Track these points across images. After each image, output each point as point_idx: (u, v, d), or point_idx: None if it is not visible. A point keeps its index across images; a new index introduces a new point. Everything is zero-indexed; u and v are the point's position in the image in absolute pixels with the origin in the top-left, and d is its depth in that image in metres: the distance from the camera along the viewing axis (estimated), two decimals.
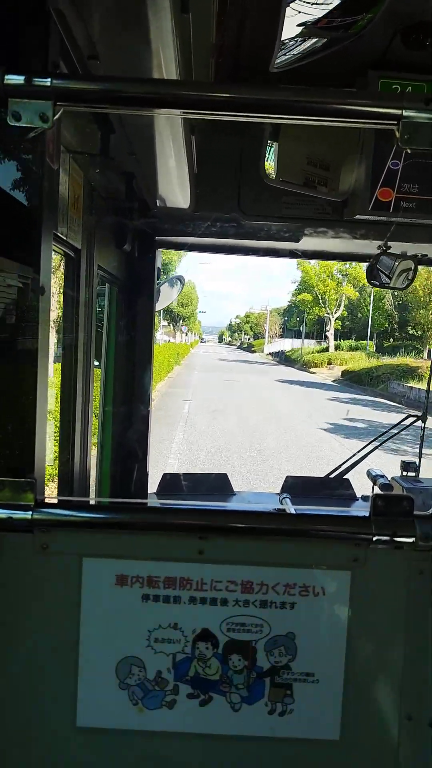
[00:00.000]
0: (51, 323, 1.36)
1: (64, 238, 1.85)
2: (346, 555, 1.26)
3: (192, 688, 1.26)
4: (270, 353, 76.93)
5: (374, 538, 1.25)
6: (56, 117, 1.15)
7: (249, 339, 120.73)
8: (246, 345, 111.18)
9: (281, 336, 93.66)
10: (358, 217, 2.60)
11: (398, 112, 1.14)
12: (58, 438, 2.09)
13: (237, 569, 1.25)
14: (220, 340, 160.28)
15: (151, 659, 1.25)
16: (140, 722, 1.26)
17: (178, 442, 13.17)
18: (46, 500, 1.23)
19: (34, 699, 1.25)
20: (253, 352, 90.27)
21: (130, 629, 1.25)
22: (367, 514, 1.26)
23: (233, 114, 1.28)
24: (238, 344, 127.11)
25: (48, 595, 1.25)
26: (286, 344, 75.07)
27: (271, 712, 1.27)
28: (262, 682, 1.27)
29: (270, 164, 2.88)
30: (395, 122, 1.14)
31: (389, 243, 2.89)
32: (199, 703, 1.27)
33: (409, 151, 1.17)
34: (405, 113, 1.14)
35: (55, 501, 1.29)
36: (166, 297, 3.45)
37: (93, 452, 2.36)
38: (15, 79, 1.10)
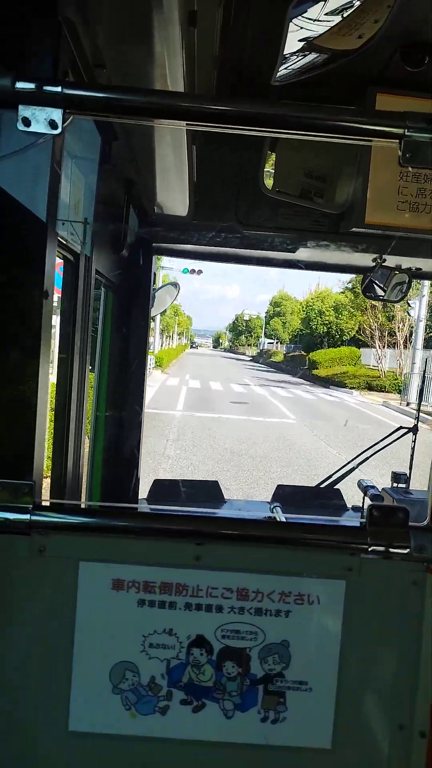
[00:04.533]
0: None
1: (65, 243, 1.86)
2: (341, 564, 1.27)
3: (185, 695, 1.26)
4: None
5: (369, 548, 1.26)
6: (66, 124, 1.16)
7: (277, 346, 66.49)
8: (285, 359, 53.61)
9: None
10: (354, 229, 2.63)
11: (401, 131, 1.17)
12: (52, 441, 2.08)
13: (233, 576, 1.26)
14: (216, 344, 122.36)
15: (145, 664, 1.25)
16: (133, 727, 1.26)
17: None
18: (44, 503, 1.23)
19: (26, 702, 1.24)
20: (334, 385, 30.04)
21: (124, 634, 1.25)
22: (360, 524, 1.27)
23: (236, 127, 1.30)
24: (254, 355, 75.26)
25: (44, 598, 1.24)
26: None
27: (263, 720, 1.28)
28: (255, 690, 1.27)
29: (268, 174, 2.91)
30: (397, 141, 1.17)
31: (384, 256, 2.93)
32: (192, 710, 1.27)
33: (410, 169, 1.20)
34: (407, 132, 1.16)
35: (53, 504, 1.29)
36: (162, 302, 3.47)
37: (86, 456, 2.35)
38: (26, 85, 1.11)
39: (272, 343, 73.58)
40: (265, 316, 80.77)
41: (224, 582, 1.25)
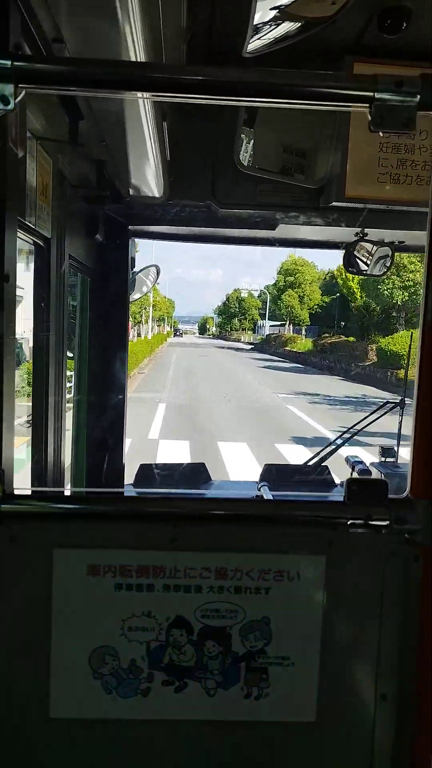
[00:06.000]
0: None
1: (33, 227, 1.82)
2: (321, 539, 1.26)
3: (167, 675, 1.26)
4: None
5: (349, 522, 1.25)
6: (18, 99, 1.12)
7: (289, 329, 50.85)
8: (318, 348, 36.42)
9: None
10: (334, 203, 2.59)
11: (370, 94, 1.13)
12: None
13: (211, 556, 1.25)
14: (203, 331, 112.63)
15: (125, 648, 1.25)
16: (115, 711, 1.26)
17: None
18: (15, 491, 1.21)
19: (5, 692, 1.24)
20: None
21: (103, 619, 1.24)
22: (341, 499, 1.26)
23: (203, 97, 1.26)
24: (257, 342, 59.38)
25: (19, 587, 1.23)
26: None
27: (246, 696, 1.28)
28: (237, 667, 1.27)
29: (244, 151, 2.85)
30: (368, 105, 1.14)
31: (366, 230, 2.89)
32: (174, 690, 1.26)
33: (381, 134, 1.17)
34: (377, 95, 1.13)
35: (24, 492, 1.27)
36: (142, 286, 3.43)
37: (68, 443, 2.33)
38: None
39: (281, 325, 55.39)
40: (264, 293, 61.40)
41: (202, 562, 1.25)
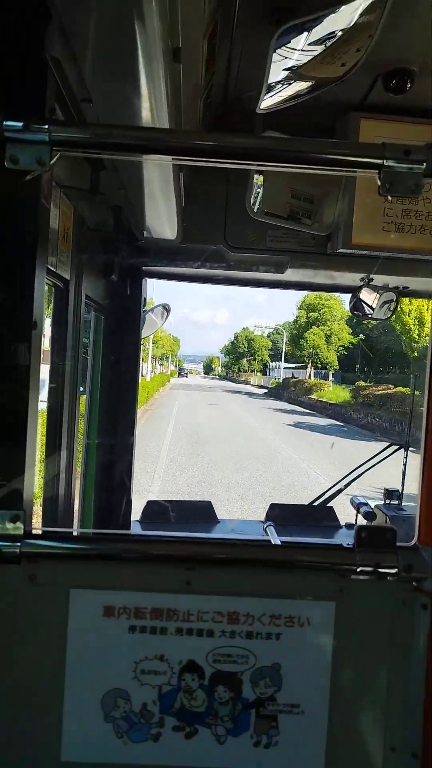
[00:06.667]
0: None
1: (54, 270, 1.89)
2: (331, 586, 1.28)
3: (178, 721, 1.26)
4: None
5: (358, 569, 1.27)
6: (53, 162, 1.19)
7: (310, 373, 44.69)
8: (364, 398, 26.77)
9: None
10: (341, 250, 2.67)
11: (379, 161, 1.21)
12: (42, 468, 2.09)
13: (223, 600, 1.26)
14: (208, 370, 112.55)
15: (137, 691, 1.25)
16: (125, 756, 1.25)
17: None
18: (34, 531, 1.24)
19: (18, 732, 1.24)
20: None
21: (116, 661, 1.25)
22: (351, 545, 1.29)
23: (218, 161, 1.34)
24: (271, 386, 52.48)
25: (35, 626, 1.24)
26: None
27: (256, 744, 1.27)
28: (247, 714, 1.27)
29: (255, 197, 2.96)
30: (376, 171, 1.21)
31: (372, 275, 2.97)
32: (184, 736, 1.26)
33: (390, 199, 1.23)
34: (386, 163, 1.20)
35: (44, 532, 1.30)
36: (152, 324, 3.50)
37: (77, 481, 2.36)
38: (14, 125, 1.14)
39: (299, 367, 47.86)
40: (280, 331, 53.21)
41: (215, 606, 1.26)
